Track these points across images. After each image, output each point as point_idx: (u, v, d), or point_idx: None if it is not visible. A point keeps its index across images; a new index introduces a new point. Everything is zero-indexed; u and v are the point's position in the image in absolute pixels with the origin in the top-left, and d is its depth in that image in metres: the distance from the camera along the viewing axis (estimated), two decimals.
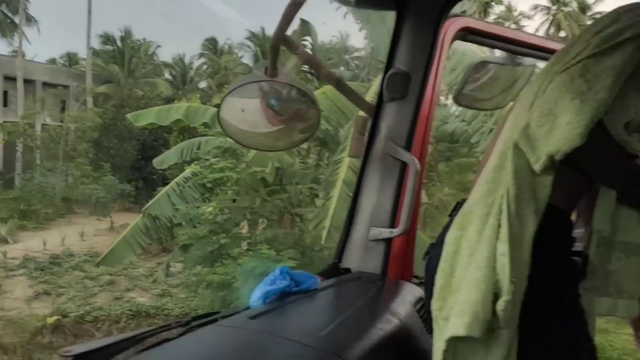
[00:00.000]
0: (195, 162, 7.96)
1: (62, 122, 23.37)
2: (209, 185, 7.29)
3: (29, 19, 28.00)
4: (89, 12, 28.26)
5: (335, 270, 1.75)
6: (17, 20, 26.82)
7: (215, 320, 1.24)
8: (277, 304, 1.35)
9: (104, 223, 19.49)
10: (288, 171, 7.73)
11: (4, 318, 12.52)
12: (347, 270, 1.77)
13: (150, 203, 7.08)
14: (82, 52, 31.62)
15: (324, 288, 1.53)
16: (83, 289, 14.28)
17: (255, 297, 1.43)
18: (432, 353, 1.15)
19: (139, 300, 13.43)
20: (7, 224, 17.66)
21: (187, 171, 7.65)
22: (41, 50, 59.07)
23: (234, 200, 6.91)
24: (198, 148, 8.46)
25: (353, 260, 1.77)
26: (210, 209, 6.95)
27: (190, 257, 7.23)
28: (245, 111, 1.96)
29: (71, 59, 35.58)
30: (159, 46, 35.66)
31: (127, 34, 31.69)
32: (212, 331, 1.16)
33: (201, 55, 36.68)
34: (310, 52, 1.75)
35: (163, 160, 9.01)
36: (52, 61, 35.99)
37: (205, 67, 36.98)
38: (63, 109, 25.85)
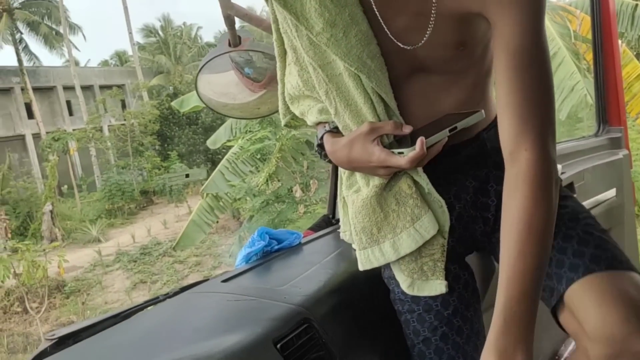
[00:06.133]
0: (242, 136, 7.97)
1: (124, 120, 24.41)
2: (257, 156, 7.38)
3: (72, 27, 28.38)
4: (125, 7, 28.88)
5: (326, 223, 1.79)
6: (61, 30, 27.12)
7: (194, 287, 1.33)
8: (254, 264, 1.42)
9: (182, 209, 20.41)
10: None
11: (109, 311, 13.53)
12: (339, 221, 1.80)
13: (206, 184, 7.26)
14: (130, 49, 32.58)
15: (307, 242, 1.58)
16: (174, 273, 15.14)
17: (238, 260, 1.51)
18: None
19: None
20: (97, 224, 18.90)
21: (235, 147, 7.70)
22: (92, 54, 61.30)
23: (276, 168, 6.98)
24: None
25: None
26: (261, 179, 7.09)
27: (252, 228, 7.43)
28: (223, 84, 2.02)
29: (121, 58, 36.66)
30: (200, 27, 36.03)
31: (166, 22, 32.23)
32: (185, 298, 1.25)
33: (242, 27, 36.64)
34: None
35: (215, 140, 8.98)
36: (105, 63, 37.30)
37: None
38: (123, 107, 26.92)
